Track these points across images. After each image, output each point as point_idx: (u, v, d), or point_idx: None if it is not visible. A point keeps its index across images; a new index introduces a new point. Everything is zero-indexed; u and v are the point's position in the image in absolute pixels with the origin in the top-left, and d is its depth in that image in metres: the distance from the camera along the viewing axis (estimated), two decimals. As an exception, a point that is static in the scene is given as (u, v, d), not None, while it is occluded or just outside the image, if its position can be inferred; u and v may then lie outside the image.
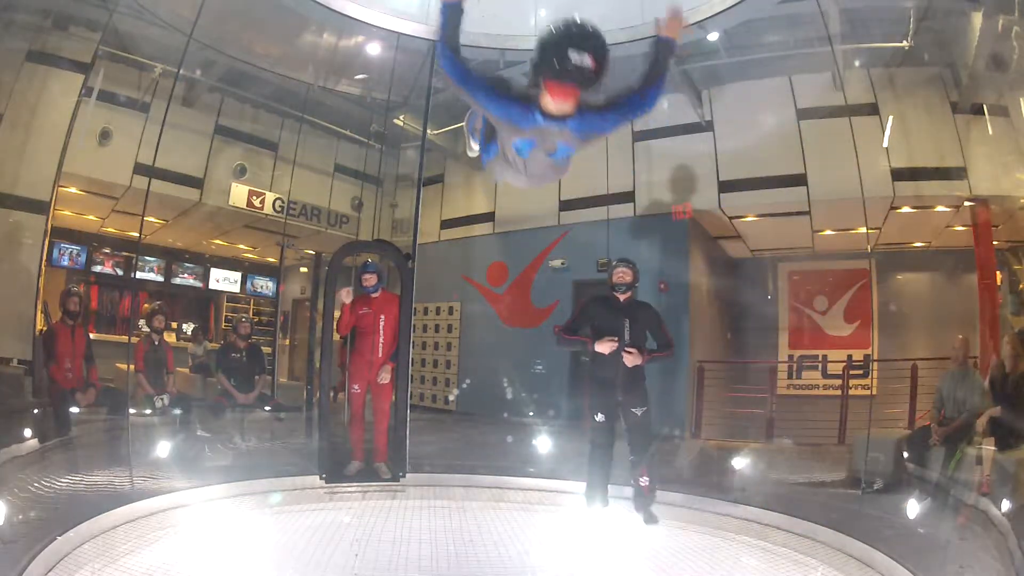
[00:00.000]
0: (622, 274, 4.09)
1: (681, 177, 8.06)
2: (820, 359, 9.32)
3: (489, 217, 9.76)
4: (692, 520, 4.24)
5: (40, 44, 6.34)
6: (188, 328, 10.46)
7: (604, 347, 3.97)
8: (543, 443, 5.98)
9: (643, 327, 4.08)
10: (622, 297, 4.10)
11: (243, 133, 8.73)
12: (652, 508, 4.05)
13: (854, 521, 3.90)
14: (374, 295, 4.88)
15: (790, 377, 9.36)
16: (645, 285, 5.70)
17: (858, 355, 9.00)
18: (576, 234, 8.64)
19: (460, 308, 9.79)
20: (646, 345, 4.08)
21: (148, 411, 5.51)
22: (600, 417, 4.05)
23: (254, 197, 8.76)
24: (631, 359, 3.93)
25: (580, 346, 4.18)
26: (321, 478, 4.63)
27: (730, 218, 8.26)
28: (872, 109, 6.90)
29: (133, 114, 7.28)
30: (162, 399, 5.60)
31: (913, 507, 4.15)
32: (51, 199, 6.41)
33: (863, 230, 7.58)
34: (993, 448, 4.39)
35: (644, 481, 4.03)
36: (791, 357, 9.44)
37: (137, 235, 8.35)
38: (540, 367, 8.67)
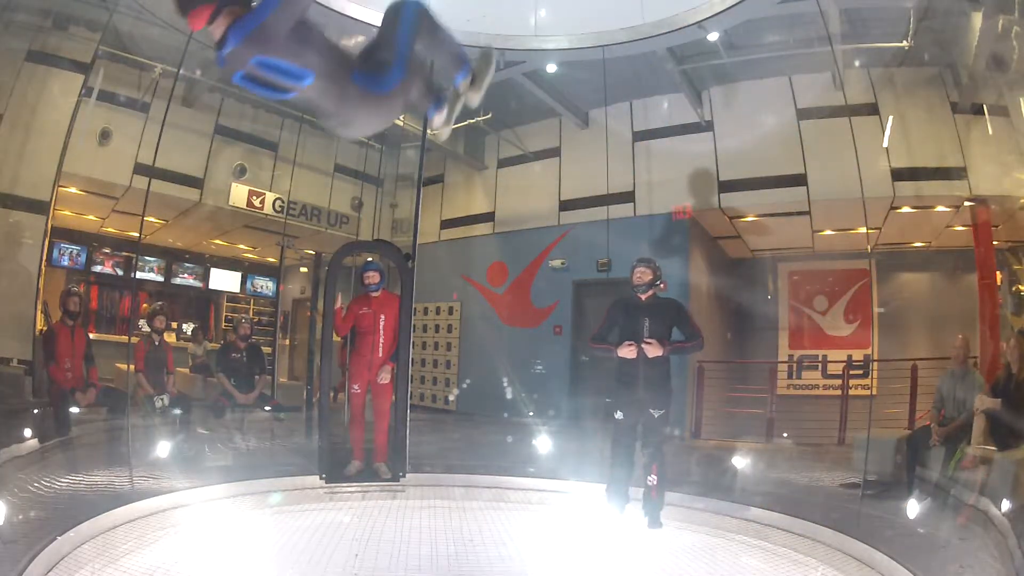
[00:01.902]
0: (641, 274, 4.09)
1: (681, 177, 8.06)
2: (820, 359, 9.31)
3: (489, 217, 9.75)
4: (692, 520, 4.24)
5: (40, 44, 6.32)
6: (188, 328, 10.44)
7: (625, 352, 3.97)
8: (543, 443, 5.98)
9: (666, 323, 4.07)
10: (643, 296, 4.09)
11: (243, 133, 8.71)
12: (658, 513, 4.03)
13: (854, 521, 3.90)
14: (375, 294, 4.88)
15: (790, 377, 9.35)
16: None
17: (858, 355, 9.00)
18: (576, 234, 8.63)
19: (460, 308, 9.79)
20: (671, 338, 4.06)
21: (148, 411, 5.51)
22: (619, 415, 4.05)
23: (254, 197, 8.75)
24: (651, 350, 3.93)
25: (608, 354, 4.10)
26: (321, 478, 4.62)
27: (730, 218, 8.26)
28: (872, 109, 6.90)
29: (133, 114, 7.25)
30: (162, 399, 5.59)
31: (913, 507, 4.16)
32: (51, 199, 6.40)
33: (863, 230, 7.58)
34: (990, 447, 4.38)
35: (652, 480, 4.02)
36: (791, 357, 9.43)
37: (137, 235, 8.32)
38: (540, 367, 8.67)
